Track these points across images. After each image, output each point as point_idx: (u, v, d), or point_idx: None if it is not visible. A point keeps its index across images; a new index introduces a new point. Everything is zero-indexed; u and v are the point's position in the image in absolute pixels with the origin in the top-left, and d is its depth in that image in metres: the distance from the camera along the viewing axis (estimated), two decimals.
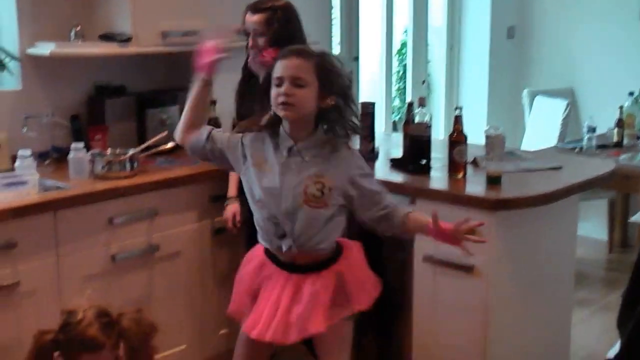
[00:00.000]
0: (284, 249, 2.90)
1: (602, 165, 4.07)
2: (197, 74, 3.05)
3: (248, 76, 3.71)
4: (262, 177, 2.87)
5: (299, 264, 2.91)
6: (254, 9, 3.59)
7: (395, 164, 3.86)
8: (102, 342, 2.67)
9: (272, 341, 2.91)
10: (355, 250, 3.04)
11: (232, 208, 3.71)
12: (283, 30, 3.54)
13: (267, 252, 3.00)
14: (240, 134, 2.96)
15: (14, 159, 3.62)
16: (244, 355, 3.10)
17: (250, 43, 3.59)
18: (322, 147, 2.86)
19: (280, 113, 2.80)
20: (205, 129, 3.01)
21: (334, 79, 2.82)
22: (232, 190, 3.74)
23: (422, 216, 2.89)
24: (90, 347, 2.66)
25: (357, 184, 2.87)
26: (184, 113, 3.07)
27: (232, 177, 3.74)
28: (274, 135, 2.89)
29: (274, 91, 2.79)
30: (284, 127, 2.87)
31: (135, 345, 2.77)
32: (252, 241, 3.67)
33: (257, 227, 2.99)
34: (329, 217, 2.87)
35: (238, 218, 3.69)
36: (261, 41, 3.55)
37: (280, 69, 2.79)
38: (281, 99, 2.77)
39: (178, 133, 3.06)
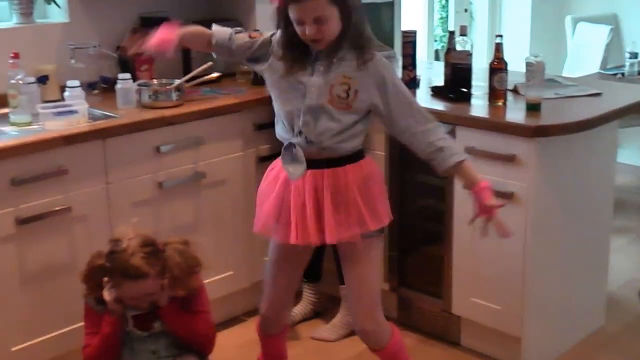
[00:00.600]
0: (302, 140, 2.90)
1: None
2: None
3: None
4: (286, 73, 2.90)
5: (316, 159, 2.91)
6: None
7: (437, 92, 3.90)
8: (146, 272, 2.79)
9: (310, 243, 2.95)
10: (374, 166, 3.07)
11: None
12: None
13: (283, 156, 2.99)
14: (268, 40, 3.01)
15: (63, 89, 3.72)
16: (280, 260, 3.14)
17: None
18: (350, 55, 2.86)
19: (312, 46, 2.85)
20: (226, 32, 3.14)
21: (349, 3, 2.81)
22: None
23: (473, 172, 2.93)
24: (133, 275, 2.79)
25: (385, 92, 2.88)
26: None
27: None
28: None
29: (298, 29, 2.81)
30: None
31: (177, 275, 2.89)
32: None
33: (279, 122, 3.01)
34: (352, 121, 2.88)
35: None
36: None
37: (297, 12, 2.78)
38: (309, 38, 2.80)
39: None
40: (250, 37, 3.08)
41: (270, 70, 2.97)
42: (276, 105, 3.00)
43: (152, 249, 2.86)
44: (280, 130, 3.01)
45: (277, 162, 3.03)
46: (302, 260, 3.18)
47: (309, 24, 2.77)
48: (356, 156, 2.96)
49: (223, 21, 4.31)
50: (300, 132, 2.89)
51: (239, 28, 3.17)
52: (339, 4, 2.78)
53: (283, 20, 2.86)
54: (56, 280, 3.38)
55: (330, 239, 2.92)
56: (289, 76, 2.89)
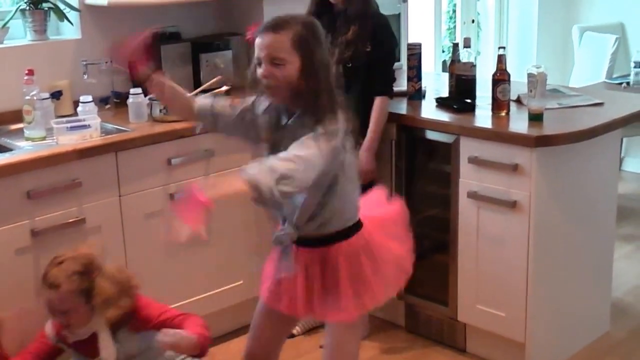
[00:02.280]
0: (284, 231, 2.72)
1: None
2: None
3: (318, 14, 3.77)
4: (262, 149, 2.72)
5: (305, 237, 2.71)
6: None
7: (441, 102, 3.98)
8: (58, 283, 2.91)
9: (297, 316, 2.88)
10: (372, 229, 2.81)
11: None
12: None
13: None
14: (244, 103, 2.79)
15: (76, 104, 3.82)
16: (266, 316, 2.96)
17: None
18: (303, 123, 2.57)
19: (266, 94, 2.63)
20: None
21: (315, 54, 2.55)
22: None
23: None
24: (47, 283, 2.94)
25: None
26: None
27: None
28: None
29: (257, 71, 2.59)
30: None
31: (106, 299, 2.96)
32: None
33: None
34: (317, 201, 2.64)
35: None
36: None
37: (257, 47, 2.56)
38: (263, 81, 2.57)
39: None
40: (231, 105, 2.84)
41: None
42: None
43: (82, 269, 2.96)
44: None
45: None
46: (289, 323, 3.06)
47: (264, 62, 2.54)
48: (348, 231, 2.73)
49: (232, 35, 4.43)
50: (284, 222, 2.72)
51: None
52: (303, 52, 2.52)
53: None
54: None
55: (318, 317, 2.92)
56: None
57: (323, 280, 2.72)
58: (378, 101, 3.74)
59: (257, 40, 2.57)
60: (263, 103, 2.71)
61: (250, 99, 2.76)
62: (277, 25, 2.55)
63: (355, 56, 3.69)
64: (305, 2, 3.83)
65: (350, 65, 3.69)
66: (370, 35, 3.70)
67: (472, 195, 3.61)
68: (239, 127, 2.82)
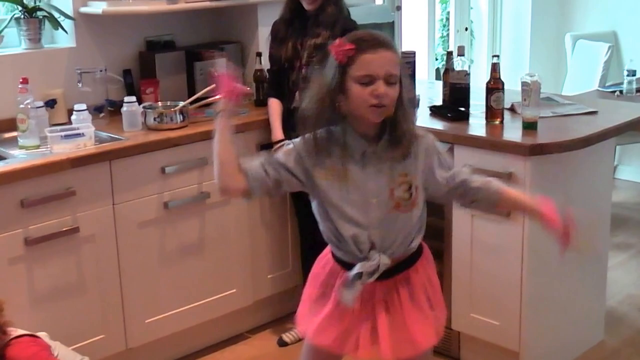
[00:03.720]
0: (376, 262, 2.51)
1: (638, 109, 4.13)
2: (219, 105, 2.56)
3: (290, 19, 3.87)
4: (337, 188, 2.49)
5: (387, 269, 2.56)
6: None
7: (435, 111, 3.98)
8: None
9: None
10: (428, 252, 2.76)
11: None
12: None
13: (340, 261, 2.64)
14: (293, 150, 2.55)
15: (70, 112, 3.81)
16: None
17: None
18: (398, 143, 2.48)
19: (371, 116, 2.41)
20: (255, 165, 2.54)
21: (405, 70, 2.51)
22: (279, 133, 3.85)
23: (523, 197, 2.64)
24: None
25: (432, 168, 2.56)
26: (216, 161, 2.51)
27: (274, 119, 3.88)
28: (334, 138, 2.49)
29: (361, 90, 2.38)
30: (354, 127, 2.48)
31: None
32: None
33: (333, 243, 2.63)
34: (419, 215, 2.59)
35: None
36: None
37: (368, 64, 2.37)
38: (375, 101, 2.37)
39: (221, 186, 2.54)
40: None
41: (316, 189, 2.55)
42: (329, 225, 2.58)
43: None
44: (337, 252, 2.64)
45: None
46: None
47: (381, 81, 2.37)
48: (420, 248, 2.69)
49: (227, 43, 4.44)
50: (370, 248, 2.54)
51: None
52: (402, 70, 2.44)
53: (338, 84, 2.43)
54: (64, 299, 3.45)
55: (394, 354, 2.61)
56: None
57: (408, 308, 2.61)
58: None
59: (368, 57, 2.38)
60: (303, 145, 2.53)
61: (288, 152, 2.56)
62: (387, 42, 2.43)
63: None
64: None
65: (318, 67, 3.70)
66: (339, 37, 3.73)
67: None
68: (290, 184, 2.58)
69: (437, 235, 3.81)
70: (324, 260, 2.72)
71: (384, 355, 2.59)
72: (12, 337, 2.95)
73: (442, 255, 3.79)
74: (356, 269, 2.53)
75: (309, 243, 4.03)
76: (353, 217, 2.50)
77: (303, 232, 4.08)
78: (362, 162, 2.48)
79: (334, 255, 2.66)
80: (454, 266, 3.74)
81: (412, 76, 4.12)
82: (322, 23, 3.77)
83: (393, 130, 2.47)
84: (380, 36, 2.45)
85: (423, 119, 3.93)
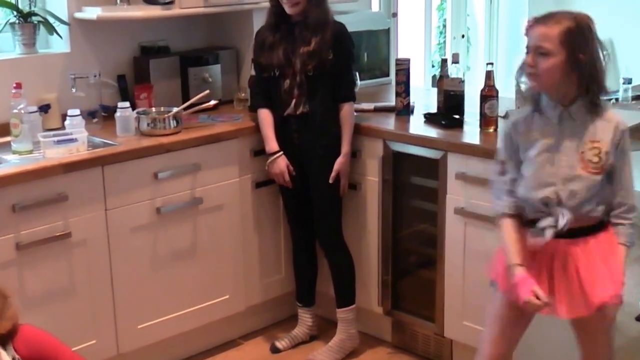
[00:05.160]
0: (561, 220, 2.71)
1: (636, 116, 4.11)
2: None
3: (276, 24, 3.82)
4: (536, 150, 2.76)
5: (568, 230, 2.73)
6: None
7: (430, 118, 3.98)
8: None
9: (564, 315, 2.81)
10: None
11: (282, 161, 3.83)
12: None
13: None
14: (503, 139, 2.88)
15: (64, 117, 3.80)
16: (504, 318, 2.97)
17: None
18: (590, 111, 2.72)
19: (529, 83, 2.76)
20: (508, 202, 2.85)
21: (581, 50, 2.65)
22: (274, 144, 3.84)
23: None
24: None
25: (618, 155, 2.74)
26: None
27: (268, 130, 3.86)
28: (536, 107, 2.79)
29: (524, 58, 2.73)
30: (546, 95, 2.77)
31: None
32: (288, 193, 3.84)
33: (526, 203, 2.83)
34: (603, 182, 2.74)
35: (291, 169, 3.83)
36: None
37: (528, 37, 2.71)
38: (526, 70, 2.71)
39: None
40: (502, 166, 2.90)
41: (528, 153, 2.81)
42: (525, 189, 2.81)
43: None
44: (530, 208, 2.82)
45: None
46: (527, 322, 3.01)
47: (530, 52, 2.70)
48: (602, 223, 2.82)
49: (221, 49, 4.44)
50: (555, 206, 2.74)
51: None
52: (568, 47, 2.63)
53: None
54: (56, 304, 3.44)
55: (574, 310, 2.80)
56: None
57: (584, 271, 2.76)
58: (346, 107, 3.82)
59: (530, 31, 2.70)
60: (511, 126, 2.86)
61: (500, 150, 2.91)
62: (548, 18, 2.68)
63: (320, 65, 3.73)
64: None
65: (312, 74, 3.74)
66: (331, 43, 3.74)
67: (459, 211, 3.61)
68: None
69: (430, 242, 3.81)
70: None
71: (559, 312, 2.79)
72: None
73: (434, 262, 3.79)
74: (542, 224, 2.74)
75: (301, 249, 4.04)
76: (545, 175, 2.74)
77: (295, 238, 4.07)
78: (559, 123, 2.74)
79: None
80: (446, 274, 3.74)
81: (407, 83, 4.10)
82: (309, 28, 3.73)
83: (586, 96, 2.70)
84: (552, 12, 2.71)
85: (417, 126, 3.93)
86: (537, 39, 2.66)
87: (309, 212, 3.93)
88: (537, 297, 2.69)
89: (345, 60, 3.83)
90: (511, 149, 2.85)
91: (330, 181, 3.79)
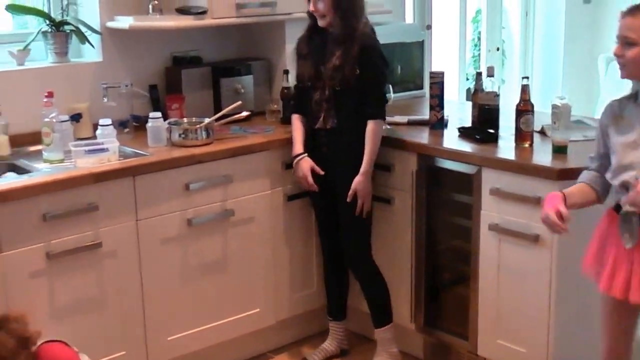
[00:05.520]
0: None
1: None
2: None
3: (310, 36, 3.80)
4: (623, 136, 2.86)
5: None
6: None
7: (464, 132, 3.92)
8: None
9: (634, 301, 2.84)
10: None
11: (307, 162, 3.78)
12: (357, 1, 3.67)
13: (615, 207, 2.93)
14: (598, 128, 3.01)
15: (95, 127, 3.80)
16: (610, 314, 3.06)
17: (312, 7, 3.70)
18: None
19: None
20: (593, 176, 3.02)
21: None
22: (299, 147, 3.81)
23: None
24: None
25: None
26: None
27: (296, 134, 3.82)
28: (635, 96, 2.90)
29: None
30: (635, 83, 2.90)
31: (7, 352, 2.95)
32: (318, 205, 3.78)
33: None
34: None
35: (317, 170, 3.77)
36: (321, 5, 3.66)
37: (618, 28, 2.81)
38: (615, 59, 2.85)
39: None
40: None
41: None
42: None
43: None
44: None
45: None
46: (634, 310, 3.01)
47: (618, 42, 2.80)
48: None
49: (253, 60, 4.41)
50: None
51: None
52: None
53: None
54: (86, 314, 3.43)
55: None
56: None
57: None
58: (371, 125, 3.70)
59: (619, 22, 2.81)
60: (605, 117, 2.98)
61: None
62: (635, 9, 2.78)
63: (344, 80, 3.66)
64: None
65: (339, 89, 3.68)
66: (357, 58, 3.65)
67: (494, 227, 3.55)
68: None
69: (464, 258, 3.75)
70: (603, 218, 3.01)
71: (633, 297, 2.82)
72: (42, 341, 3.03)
73: (469, 279, 3.73)
74: (624, 208, 2.82)
75: (331, 263, 3.99)
76: (627, 160, 2.82)
77: (325, 251, 4.02)
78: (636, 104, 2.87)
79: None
80: (480, 291, 3.67)
81: (441, 96, 4.05)
82: (336, 41, 3.68)
83: None
84: (637, 5, 2.79)
85: (451, 140, 3.88)
86: (623, 29, 2.77)
87: (338, 226, 3.88)
88: (562, 217, 2.83)
89: (372, 77, 3.71)
90: (602, 132, 2.98)
91: (348, 199, 3.70)
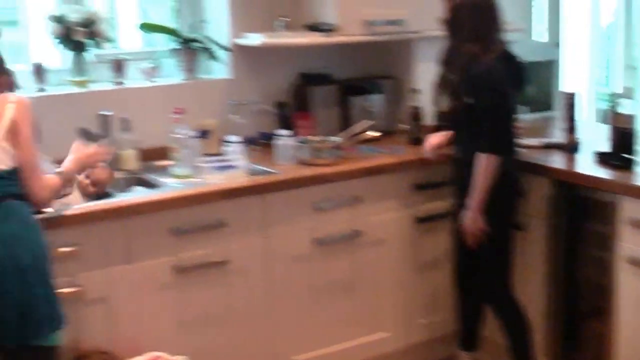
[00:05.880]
0: None
1: None
2: None
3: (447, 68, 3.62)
4: None
5: None
6: None
7: (599, 157, 3.75)
8: None
9: None
10: None
11: (435, 136, 3.73)
12: (467, 20, 3.48)
13: None
14: None
15: (223, 143, 3.79)
16: None
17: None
18: None
19: None
20: None
21: None
22: None
23: None
24: None
25: None
26: None
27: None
28: None
29: None
30: None
31: None
32: (455, 229, 3.66)
33: None
34: None
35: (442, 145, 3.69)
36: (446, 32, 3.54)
37: None
38: None
39: None
40: None
41: None
42: None
43: None
44: None
45: None
46: None
47: None
48: None
49: (381, 78, 4.36)
50: None
51: None
52: None
53: None
54: (211, 329, 3.42)
55: None
56: None
57: None
58: (481, 159, 3.43)
59: None
60: None
61: None
62: None
63: (458, 109, 3.50)
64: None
65: (459, 117, 3.54)
66: (469, 87, 3.45)
67: (633, 261, 3.33)
68: None
69: (601, 292, 3.56)
70: None
71: None
72: None
73: (605, 314, 3.54)
74: None
75: (464, 291, 3.83)
76: None
77: (458, 278, 3.87)
78: None
79: None
80: (617, 328, 3.46)
81: (573, 119, 3.90)
82: (445, 62, 3.56)
83: None
84: None
85: (586, 165, 3.69)
86: None
87: (473, 255, 3.68)
88: None
89: (484, 107, 3.42)
90: None
91: (466, 238, 3.56)
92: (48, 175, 2.92)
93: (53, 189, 2.92)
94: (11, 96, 2.84)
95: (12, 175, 2.77)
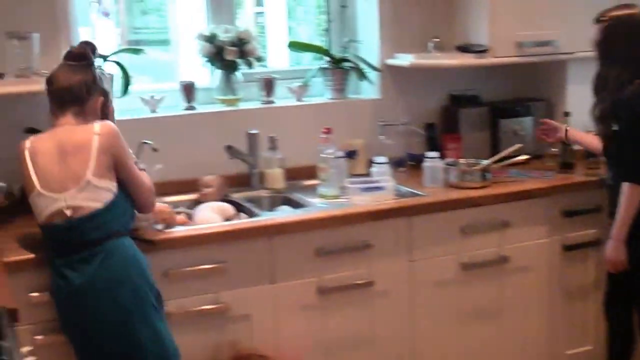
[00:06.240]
0: None
1: None
2: None
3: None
4: None
5: None
6: (596, 19, 3.43)
7: None
8: None
9: None
10: None
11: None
12: (619, 43, 3.36)
13: None
14: None
15: (370, 164, 3.78)
16: None
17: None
18: None
19: None
20: None
21: None
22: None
23: None
24: None
25: None
26: None
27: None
28: None
29: None
30: None
31: None
32: None
33: None
34: None
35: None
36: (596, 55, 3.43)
37: None
38: None
39: None
40: None
41: None
42: None
43: None
44: None
45: None
46: None
47: None
48: None
49: (532, 101, 4.26)
50: None
51: None
52: None
53: None
54: (356, 352, 3.42)
55: None
56: None
57: None
58: (625, 187, 3.30)
59: None
60: None
61: None
62: None
63: (603, 134, 3.41)
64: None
65: (606, 144, 3.43)
66: (611, 113, 3.33)
67: None
68: None
69: None
70: None
71: None
72: None
73: None
74: None
75: (616, 325, 3.66)
76: None
77: (609, 311, 3.69)
78: None
79: None
80: None
81: None
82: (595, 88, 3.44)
83: None
84: None
85: None
86: None
87: (628, 290, 3.54)
88: None
89: (626, 134, 3.31)
90: None
91: (607, 267, 3.45)
92: (147, 180, 2.93)
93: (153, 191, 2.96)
94: (96, 126, 2.76)
95: (110, 211, 2.72)
